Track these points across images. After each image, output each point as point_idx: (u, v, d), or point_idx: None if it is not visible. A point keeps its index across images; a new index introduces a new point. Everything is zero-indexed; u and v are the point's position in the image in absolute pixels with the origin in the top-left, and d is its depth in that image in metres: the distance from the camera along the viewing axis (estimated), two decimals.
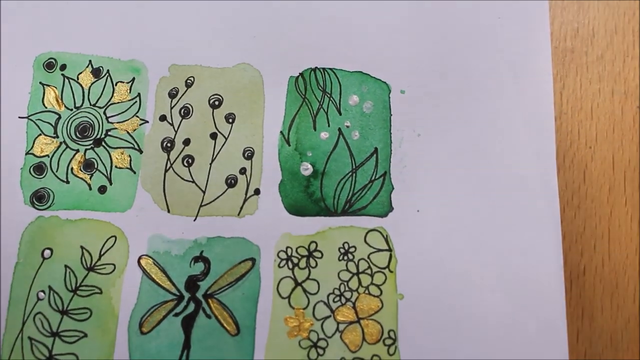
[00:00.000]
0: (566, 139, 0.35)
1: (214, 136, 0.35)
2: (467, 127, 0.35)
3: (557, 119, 0.36)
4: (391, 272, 0.34)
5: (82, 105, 0.36)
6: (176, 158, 0.35)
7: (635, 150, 0.35)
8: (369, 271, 0.34)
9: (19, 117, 0.36)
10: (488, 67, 0.36)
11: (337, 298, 0.33)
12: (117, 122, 0.36)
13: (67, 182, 0.35)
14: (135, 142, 0.35)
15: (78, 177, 0.35)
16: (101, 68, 0.36)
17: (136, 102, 0.36)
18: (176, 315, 0.33)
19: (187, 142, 0.35)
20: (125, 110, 0.36)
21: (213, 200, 0.35)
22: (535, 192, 0.34)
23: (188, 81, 0.36)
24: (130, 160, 0.35)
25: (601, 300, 0.34)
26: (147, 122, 0.36)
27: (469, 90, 0.36)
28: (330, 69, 0.36)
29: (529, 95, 0.35)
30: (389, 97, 0.36)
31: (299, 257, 0.34)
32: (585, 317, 0.33)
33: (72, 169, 0.35)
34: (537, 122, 0.35)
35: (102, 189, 0.35)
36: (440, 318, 0.33)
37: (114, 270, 0.34)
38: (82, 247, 0.34)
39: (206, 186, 0.35)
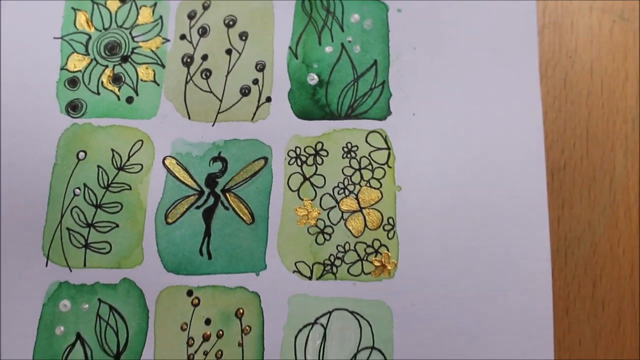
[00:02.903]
0: (548, 51, 0.39)
1: (229, 52, 0.39)
2: (457, 40, 0.39)
3: (539, 33, 0.39)
4: (390, 167, 0.37)
5: (110, 27, 0.40)
6: (195, 71, 0.39)
7: (611, 59, 0.39)
8: (369, 167, 0.37)
9: (54, 38, 0.40)
10: None
11: (341, 190, 0.37)
12: (142, 41, 0.40)
13: (98, 93, 0.39)
14: (158, 58, 0.39)
15: (108, 89, 0.39)
16: None
17: (158, 23, 0.40)
18: (197, 207, 0.37)
19: (205, 57, 0.39)
20: (149, 31, 0.40)
21: (229, 108, 0.38)
22: (519, 97, 0.38)
23: (205, 4, 0.40)
24: (154, 74, 0.39)
25: (580, 192, 0.37)
26: (169, 40, 0.40)
27: (460, 9, 0.39)
28: None
29: (514, 12, 0.39)
30: (387, 16, 0.40)
31: (307, 155, 0.38)
32: (566, 206, 0.37)
33: (102, 82, 0.39)
34: (520, 34, 0.39)
35: (130, 100, 0.39)
36: (435, 206, 0.36)
37: (141, 170, 0.38)
38: (112, 150, 0.38)
39: (222, 95, 0.39)
